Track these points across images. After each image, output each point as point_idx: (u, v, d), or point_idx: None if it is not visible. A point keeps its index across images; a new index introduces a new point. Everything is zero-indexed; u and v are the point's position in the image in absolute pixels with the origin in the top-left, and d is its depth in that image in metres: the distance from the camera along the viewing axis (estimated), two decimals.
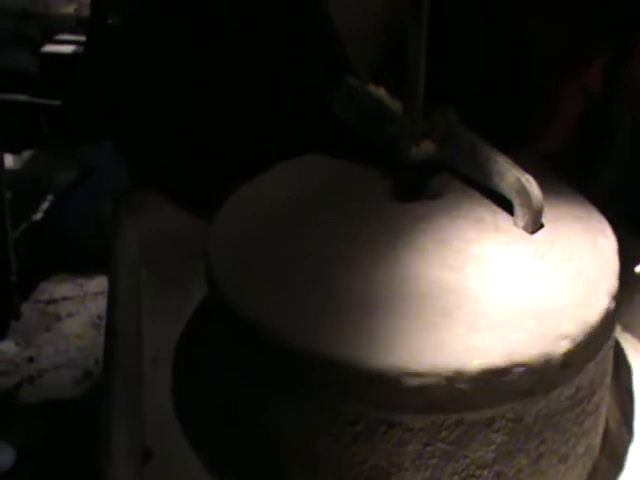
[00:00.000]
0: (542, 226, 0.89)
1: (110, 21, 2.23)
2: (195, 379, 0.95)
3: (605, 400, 0.85)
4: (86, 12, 2.41)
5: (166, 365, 1.00)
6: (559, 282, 0.82)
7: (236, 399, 0.86)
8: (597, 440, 0.86)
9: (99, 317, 1.92)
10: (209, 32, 1.19)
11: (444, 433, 0.74)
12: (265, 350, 0.79)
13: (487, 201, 0.93)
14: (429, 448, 0.75)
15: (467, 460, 0.75)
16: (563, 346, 0.75)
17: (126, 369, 0.95)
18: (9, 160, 2.15)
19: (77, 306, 1.99)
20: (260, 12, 1.16)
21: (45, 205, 2.14)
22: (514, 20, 1.11)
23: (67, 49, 2.45)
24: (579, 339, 0.76)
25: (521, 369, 0.73)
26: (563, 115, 1.18)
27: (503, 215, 0.91)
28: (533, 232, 0.88)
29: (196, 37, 1.20)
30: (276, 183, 1.00)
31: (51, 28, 2.54)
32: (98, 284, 2.02)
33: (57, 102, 2.37)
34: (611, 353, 0.85)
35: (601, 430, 0.87)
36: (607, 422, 0.89)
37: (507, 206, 0.91)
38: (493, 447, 0.75)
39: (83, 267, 2.05)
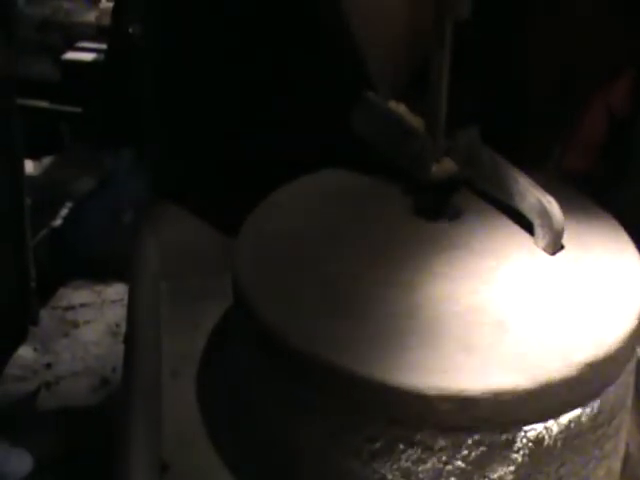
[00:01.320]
0: (563, 247, 0.89)
1: (131, 29, 2.24)
2: (216, 392, 0.96)
3: (626, 423, 0.85)
4: (107, 20, 2.43)
5: (185, 378, 1.01)
6: (581, 303, 0.82)
7: (256, 413, 0.86)
8: (617, 464, 0.86)
9: (117, 325, 1.93)
10: (235, 40, 1.19)
11: (464, 452, 0.74)
12: (287, 365, 0.79)
13: (508, 221, 0.93)
14: (448, 467, 0.75)
15: None
16: (584, 368, 0.75)
17: (145, 382, 0.96)
18: (29, 166, 2.17)
19: (95, 313, 2.00)
20: (281, 25, 1.17)
21: (64, 212, 2.16)
22: (539, 40, 1.11)
23: (88, 57, 2.47)
24: (600, 361, 0.76)
25: (543, 390, 0.73)
26: (587, 134, 1.18)
27: (524, 235, 0.91)
28: (554, 253, 0.88)
29: (222, 46, 1.20)
30: (299, 197, 1.00)
31: (72, 36, 2.56)
32: (116, 291, 2.03)
33: (78, 109, 2.38)
34: (632, 375, 0.85)
35: (621, 454, 0.86)
36: (627, 446, 0.88)
37: (528, 226, 0.91)
38: (513, 468, 0.75)
39: (101, 274, 2.06)
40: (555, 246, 0.88)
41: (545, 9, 1.10)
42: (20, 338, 1.81)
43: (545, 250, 0.88)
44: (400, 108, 1.01)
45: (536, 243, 0.89)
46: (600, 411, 0.78)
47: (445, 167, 0.95)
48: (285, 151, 1.17)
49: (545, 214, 0.87)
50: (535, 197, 0.88)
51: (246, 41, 1.19)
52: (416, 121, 0.98)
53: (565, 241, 0.89)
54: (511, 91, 1.13)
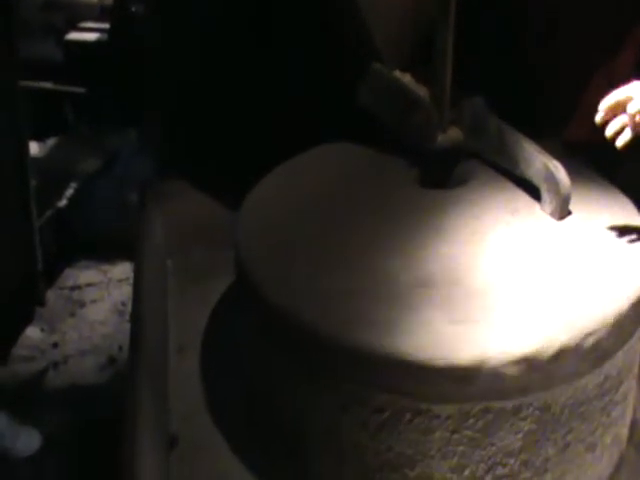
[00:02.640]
0: (569, 213, 0.88)
1: (133, 9, 2.23)
2: (222, 366, 0.96)
3: (633, 390, 0.85)
4: (109, 0, 2.41)
5: (192, 353, 1.01)
6: (588, 269, 0.81)
7: (263, 386, 0.86)
8: (624, 430, 0.85)
9: (123, 304, 1.92)
10: (238, 18, 1.19)
11: (471, 421, 0.74)
12: (293, 336, 0.79)
13: (514, 188, 0.93)
14: (456, 436, 0.74)
15: (494, 448, 0.75)
16: (592, 333, 0.75)
17: (152, 357, 0.96)
18: (34, 147, 2.16)
19: (101, 293, 1.99)
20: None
21: (70, 192, 2.15)
22: (542, 9, 1.10)
23: (91, 37, 2.45)
24: (608, 326, 0.75)
25: (549, 356, 0.73)
26: (589, 104, 1.17)
27: (530, 202, 0.90)
28: (561, 218, 0.88)
29: (226, 22, 1.19)
30: (303, 170, 1.00)
31: (75, 16, 2.54)
32: (122, 271, 2.03)
33: (82, 89, 2.37)
34: None
35: (629, 420, 0.86)
36: (635, 412, 0.88)
37: (534, 193, 0.90)
38: (520, 435, 0.75)
39: (107, 254, 2.06)
40: (562, 211, 0.87)
41: None
42: (27, 319, 1.81)
43: (552, 215, 0.88)
44: (405, 78, 1.00)
45: (543, 209, 0.89)
46: (607, 378, 0.78)
47: (451, 136, 0.95)
48: (287, 126, 1.16)
49: (552, 179, 0.87)
50: (541, 162, 0.88)
51: (246, 18, 1.18)
52: (422, 91, 0.98)
53: (571, 207, 0.88)
54: (521, 63, 1.12)
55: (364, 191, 0.94)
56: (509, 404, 0.74)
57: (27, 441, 1.52)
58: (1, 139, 1.63)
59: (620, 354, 0.78)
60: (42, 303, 1.92)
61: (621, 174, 1.02)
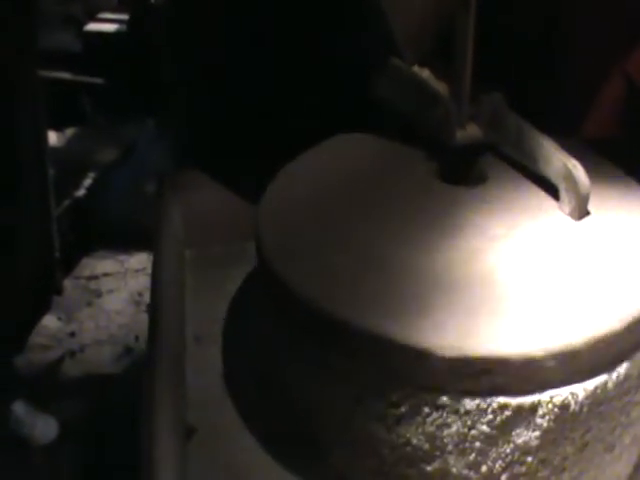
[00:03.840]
0: (588, 212, 0.88)
1: (152, 0, 2.24)
2: (240, 356, 0.96)
3: None
4: None
5: (209, 343, 1.01)
6: (607, 268, 0.81)
7: (280, 376, 0.87)
8: None
9: (139, 294, 1.94)
10: (257, 10, 1.19)
11: (489, 417, 0.74)
12: (311, 326, 0.79)
13: (532, 186, 0.92)
14: (473, 432, 0.75)
15: (511, 445, 0.75)
16: (612, 331, 0.74)
17: (170, 347, 0.96)
18: (52, 137, 2.17)
19: (118, 282, 2.01)
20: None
21: (87, 182, 2.16)
22: (558, 6, 1.10)
23: (110, 27, 2.46)
24: (628, 324, 0.75)
25: (569, 354, 0.73)
26: (605, 101, 1.17)
27: (549, 201, 0.90)
28: (580, 218, 0.87)
29: (244, 13, 1.20)
30: (322, 162, 1.00)
31: (93, 7, 2.55)
32: (139, 261, 2.04)
33: (100, 80, 2.39)
34: None
35: None
36: None
37: (553, 191, 0.90)
38: (538, 433, 0.75)
39: (124, 244, 2.07)
40: (581, 211, 0.87)
41: None
42: (44, 307, 1.83)
43: (571, 215, 0.87)
44: (424, 73, 1.00)
45: (561, 208, 0.88)
46: (627, 377, 0.78)
47: (470, 132, 0.95)
48: (305, 118, 1.17)
49: (570, 178, 0.86)
50: (560, 161, 0.87)
51: (266, 9, 1.18)
52: (441, 86, 0.98)
53: (590, 206, 0.88)
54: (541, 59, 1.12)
55: (383, 184, 0.94)
56: (527, 401, 0.74)
57: (44, 429, 1.54)
58: (20, 129, 1.65)
59: None
60: (59, 292, 1.94)
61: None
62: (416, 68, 1.01)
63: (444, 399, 0.74)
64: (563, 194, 0.88)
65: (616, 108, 1.16)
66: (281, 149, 1.00)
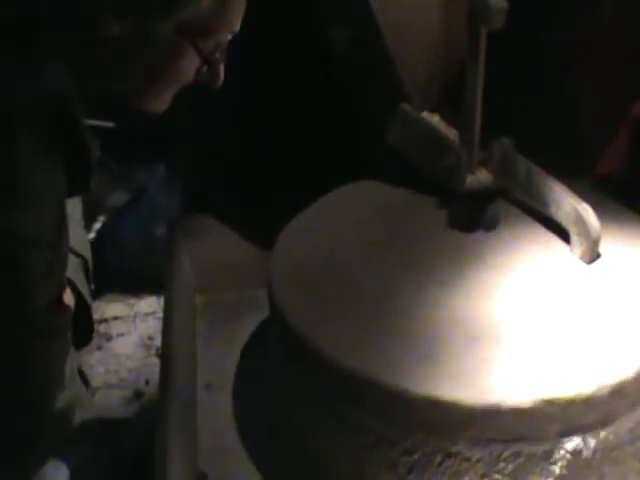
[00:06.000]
0: (599, 256, 0.88)
1: None
2: (252, 404, 0.96)
3: None
4: None
5: (220, 390, 1.01)
6: (618, 313, 0.81)
7: (290, 425, 0.86)
8: None
9: (149, 337, 1.93)
10: (262, 58, 1.20)
11: (501, 464, 0.74)
12: (322, 378, 0.79)
13: (544, 230, 0.93)
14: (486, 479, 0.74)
15: None
16: (622, 377, 0.74)
17: (181, 394, 0.96)
18: None
19: (128, 326, 2.00)
20: (315, 38, 1.17)
21: (97, 226, 2.17)
22: (569, 55, 1.11)
23: None
24: (637, 373, 0.75)
25: (582, 402, 0.73)
26: (615, 143, 1.17)
27: (560, 244, 0.91)
28: (590, 262, 0.88)
29: (252, 60, 1.21)
30: (334, 209, 1.01)
31: None
32: (148, 304, 2.04)
33: (111, 124, 2.40)
34: None
35: None
36: None
37: (564, 235, 0.90)
38: None
39: (134, 288, 2.07)
40: (592, 254, 0.87)
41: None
42: None
43: (581, 259, 0.88)
44: (434, 119, 1.01)
45: (572, 252, 0.89)
46: (639, 423, 0.77)
47: (480, 178, 0.95)
48: (318, 165, 1.17)
49: (581, 222, 0.87)
50: (571, 205, 0.88)
51: (279, 55, 1.20)
52: (450, 132, 0.99)
53: (601, 250, 0.88)
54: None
55: (395, 233, 0.95)
56: (540, 448, 0.74)
57: (55, 475, 1.53)
58: None
59: None
60: None
61: None
62: (426, 114, 1.01)
63: (457, 447, 0.74)
64: (574, 238, 0.89)
65: (625, 150, 1.17)
66: (294, 196, 1.01)
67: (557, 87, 1.11)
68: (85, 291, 0.96)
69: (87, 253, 1.06)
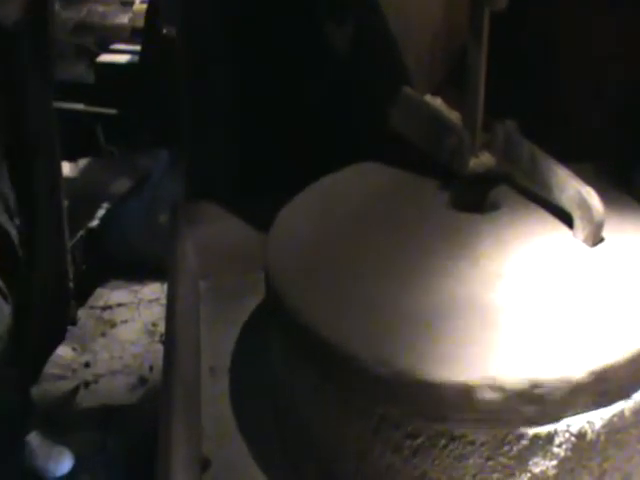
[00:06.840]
0: (602, 239, 0.88)
1: (165, 31, 2.26)
2: (253, 388, 0.96)
3: None
4: (141, 22, 2.44)
5: (224, 375, 1.01)
6: (620, 295, 0.81)
7: (294, 408, 0.86)
8: None
9: (153, 324, 1.94)
10: (271, 41, 1.20)
11: (506, 447, 0.74)
12: (324, 360, 0.79)
13: (546, 213, 0.92)
14: (490, 462, 0.74)
15: (528, 475, 0.74)
16: (627, 357, 0.74)
17: (185, 379, 0.96)
18: (65, 168, 2.19)
19: (131, 313, 2.01)
20: (319, 24, 1.17)
21: (101, 213, 2.17)
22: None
23: (122, 59, 2.48)
24: None
25: (586, 382, 0.72)
26: None
27: (563, 228, 0.90)
28: (593, 245, 0.87)
29: (254, 46, 1.20)
30: (333, 191, 1.00)
31: (106, 38, 2.58)
32: (152, 291, 2.05)
33: (113, 111, 2.40)
34: None
35: None
36: None
37: (567, 218, 0.90)
38: (555, 462, 0.74)
39: (137, 274, 2.08)
40: (595, 238, 0.87)
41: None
42: (59, 338, 1.83)
43: (585, 242, 0.87)
44: (437, 102, 1.00)
45: (575, 235, 0.88)
46: None
47: (483, 161, 0.95)
48: (319, 149, 1.17)
49: (584, 205, 0.86)
50: (574, 188, 0.87)
51: (280, 38, 1.19)
52: (453, 115, 0.98)
53: (605, 233, 0.88)
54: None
55: (396, 213, 0.95)
56: (544, 430, 0.73)
57: (59, 461, 1.54)
58: (34, 159, 1.66)
59: None
60: (74, 322, 1.94)
61: None
62: (428, 97, 1.01)
63: (461, 430, 0.73)
64: (577, 221, 0.88)
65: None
66: (294, 180, 1.01)
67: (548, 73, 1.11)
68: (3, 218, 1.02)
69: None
